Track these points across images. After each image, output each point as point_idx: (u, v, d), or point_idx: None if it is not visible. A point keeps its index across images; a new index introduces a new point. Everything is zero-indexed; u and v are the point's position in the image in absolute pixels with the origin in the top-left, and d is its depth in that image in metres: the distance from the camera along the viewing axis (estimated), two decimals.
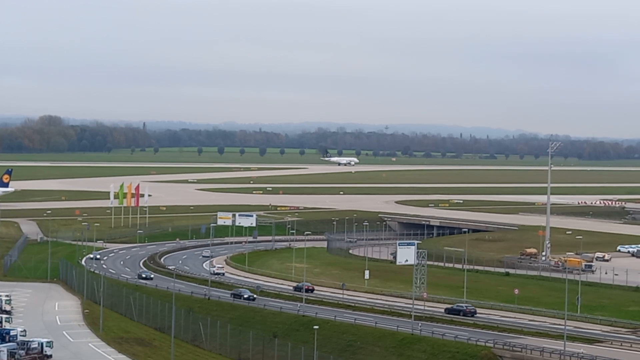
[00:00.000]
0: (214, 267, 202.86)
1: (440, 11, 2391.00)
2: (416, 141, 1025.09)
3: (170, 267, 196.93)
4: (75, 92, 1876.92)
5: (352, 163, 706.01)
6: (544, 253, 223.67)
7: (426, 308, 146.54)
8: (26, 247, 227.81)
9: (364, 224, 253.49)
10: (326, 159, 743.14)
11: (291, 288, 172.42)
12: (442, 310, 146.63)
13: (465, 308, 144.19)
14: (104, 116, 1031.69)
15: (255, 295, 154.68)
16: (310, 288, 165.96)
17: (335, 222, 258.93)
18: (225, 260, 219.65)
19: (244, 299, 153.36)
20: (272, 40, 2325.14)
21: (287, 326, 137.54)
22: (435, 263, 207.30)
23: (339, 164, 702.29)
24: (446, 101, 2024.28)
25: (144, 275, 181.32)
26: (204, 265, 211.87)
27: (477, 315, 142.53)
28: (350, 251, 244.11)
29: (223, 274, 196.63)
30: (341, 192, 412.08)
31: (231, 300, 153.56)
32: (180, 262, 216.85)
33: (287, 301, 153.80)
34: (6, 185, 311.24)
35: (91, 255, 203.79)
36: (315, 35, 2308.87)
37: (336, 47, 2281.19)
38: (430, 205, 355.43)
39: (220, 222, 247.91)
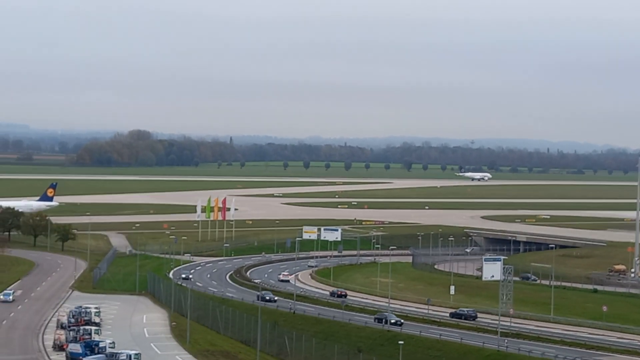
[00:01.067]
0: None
1: (523, 20, 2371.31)
2: (502, 156, 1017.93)
3: (255, 281, 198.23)
4: (164, 106, 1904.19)
5: (486, 178, 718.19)
6: (633, 270, 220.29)
7: (512, 324, 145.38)
8: (115, 260, 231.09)
9: (450, 239, 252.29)
10: (461, 174, 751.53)
11: (377, 303, 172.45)
12: (529, 327, 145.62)
13: (466, 312, 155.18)
14: (191, 131, 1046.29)
15: (402, 321, 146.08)
16: (342, 293, 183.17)
17: (420, 237, 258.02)
18: (311, 274, 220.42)
19: (391, 324, 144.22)
20: (358, 54, 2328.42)
21: (371, 341, 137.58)
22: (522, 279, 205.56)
23: (473, 179, 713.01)
24: (533, 115, 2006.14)
25: (267, 297, 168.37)
26: (292, 281, 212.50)
27: (565, 332, 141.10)
28: (436, 266, 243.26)
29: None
30: (426, 207, 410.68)
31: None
32: (265, 275, 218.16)
33: (372, 315, 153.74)
34: (50, 199, 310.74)
35: (183, 275, 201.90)
36: (401, 48, 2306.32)
37: (422, 59, 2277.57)
38: (516, 220, 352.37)
39: (305, 236, 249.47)
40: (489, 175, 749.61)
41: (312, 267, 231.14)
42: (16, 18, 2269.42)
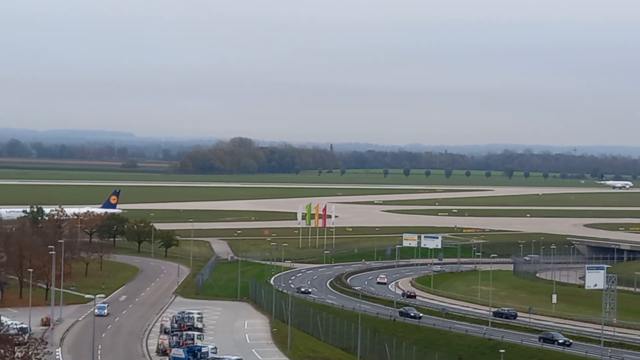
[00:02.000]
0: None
1: (621, 20, 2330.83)
2: (605, 163, 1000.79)
3: (356, 288, 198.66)
4: (265, 114, 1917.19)
5: (627, 187, 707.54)
6: None
7: (616, 334, 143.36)
8: (217, 266, 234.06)
9: (552, 247, 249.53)
10: (601, 182, 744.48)
11: (479, 311, 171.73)
12: (633, 336, 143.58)
13: (507, 311, 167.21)
14: (292, 138, 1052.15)
15: (570, 341, 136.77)
16: (412, 294, 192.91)
17: (521, 245, 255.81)
18: (411, 282, 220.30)
19: (559, 344, 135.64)
20: (458, 58, 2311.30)
21: (472, 349, 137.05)
22: (626, 288, 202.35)
23: (614, 187, 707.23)
24: (637, 122, 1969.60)
25: (411, 314, 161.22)
26: (389, 286, 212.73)
27: None
28: (538, 275, 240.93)
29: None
30: (528, 215, 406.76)
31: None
32: (366, 282, 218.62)
33: (473, 324, 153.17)
34: (114, 206, 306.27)
35: (302, 289, 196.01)
36: (502, 52, 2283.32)
37: (522, 65, 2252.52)
38: (620, 228, 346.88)
39: (405, 243, 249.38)
40: (630, 183, 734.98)
41: (437, 271, 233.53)
42: (117, 27, 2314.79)
